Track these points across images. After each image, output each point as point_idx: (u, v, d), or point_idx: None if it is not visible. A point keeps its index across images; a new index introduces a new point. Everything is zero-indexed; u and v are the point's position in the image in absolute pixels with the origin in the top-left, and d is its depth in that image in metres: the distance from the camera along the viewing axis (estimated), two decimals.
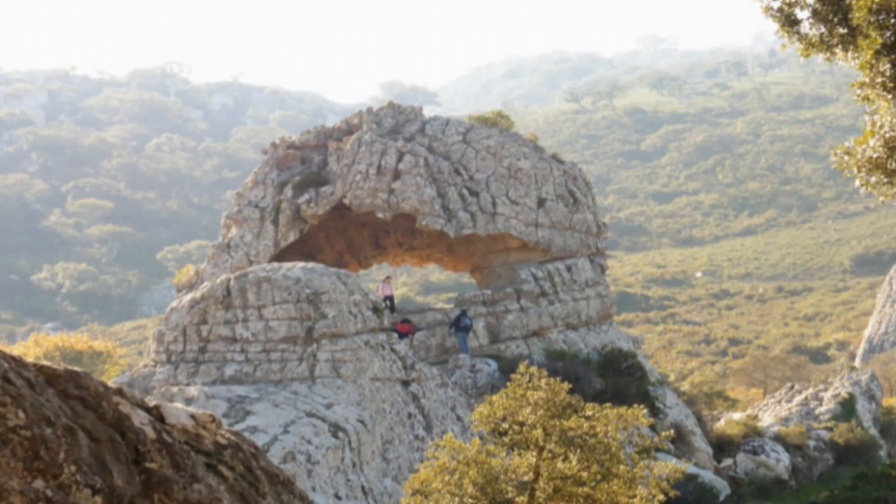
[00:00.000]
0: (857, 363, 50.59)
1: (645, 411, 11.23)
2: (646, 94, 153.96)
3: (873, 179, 9.68)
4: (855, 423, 31.94)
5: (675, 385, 35.81)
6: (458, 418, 20.93)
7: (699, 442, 27.70)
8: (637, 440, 11.29)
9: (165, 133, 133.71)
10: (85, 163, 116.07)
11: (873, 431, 32.91)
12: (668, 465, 11.18)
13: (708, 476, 25.29)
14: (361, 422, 17.24)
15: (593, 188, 33.83)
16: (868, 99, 9.55)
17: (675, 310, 68.93)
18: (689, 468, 22.93)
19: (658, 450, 21.09)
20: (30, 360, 4.04)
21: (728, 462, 28.42)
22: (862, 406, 33.79)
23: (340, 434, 16.60)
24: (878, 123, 9.58)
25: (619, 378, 26.47)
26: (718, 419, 31.89)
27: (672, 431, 14.48)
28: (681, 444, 26.46)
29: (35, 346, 35.52)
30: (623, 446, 10.89)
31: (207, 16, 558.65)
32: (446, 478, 10.49)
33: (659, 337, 61.48)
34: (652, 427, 20.80)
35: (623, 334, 32.68)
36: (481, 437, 11.50)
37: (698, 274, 78.95)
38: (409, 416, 19.24)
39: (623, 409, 10.97)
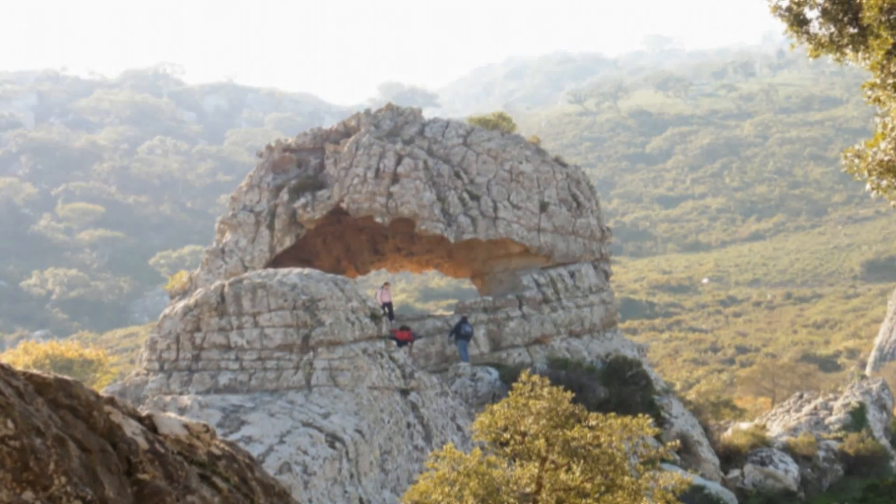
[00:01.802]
0: (867, 371, 50.29)
1: (650, 421, 11.13)
2: (651, 95, 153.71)
3: (884, 183, 9.58)
4: (865, 433, 31.73)
5: (681, 394, 35.66)
6: (459, 428, 20.74)
7: (706, 452, 27.47)
8: (642, 451, 11.19)
9: (158, 135, 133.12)
10: (75, 166, 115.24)
11: (884, 441, 32.69)
12: (674, 477, 11.08)
13: (715, 487, 25.06)
14: (359, 432, 17.05)
15: (597, 192, 33.71)
16: (879, 100, 9.45)
17: (681, 317, 68.76)
18: (696, 479, 22.75)
19: (663, 460, 20.87)
20: (19, 368, 3.96)
21: (735, 473, 28.18)
22: (872, 415, 33.56)
23: (338, 444, 16.41)
24: (890, 125, 9.49)
25: (623, 387, 26.28)
26: (725, 429, 31.65)
27: (678, 442, 14.35)
28: (687, 454, 26.24)
29: (24, 353, 35.48)
30: (627, 457, 10.77)
31: (201, 15, 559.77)
32: (446, 489, 10.34)
33: (664, 345, 61.28)
34: (657, 437, 20.59)
35: (627, 342, 32.50)
36: (482, 448, 11.34)
37: (705, 280, 78.78)
38: (408, 425, 19.05)
39: (628, 419, 10.87)
